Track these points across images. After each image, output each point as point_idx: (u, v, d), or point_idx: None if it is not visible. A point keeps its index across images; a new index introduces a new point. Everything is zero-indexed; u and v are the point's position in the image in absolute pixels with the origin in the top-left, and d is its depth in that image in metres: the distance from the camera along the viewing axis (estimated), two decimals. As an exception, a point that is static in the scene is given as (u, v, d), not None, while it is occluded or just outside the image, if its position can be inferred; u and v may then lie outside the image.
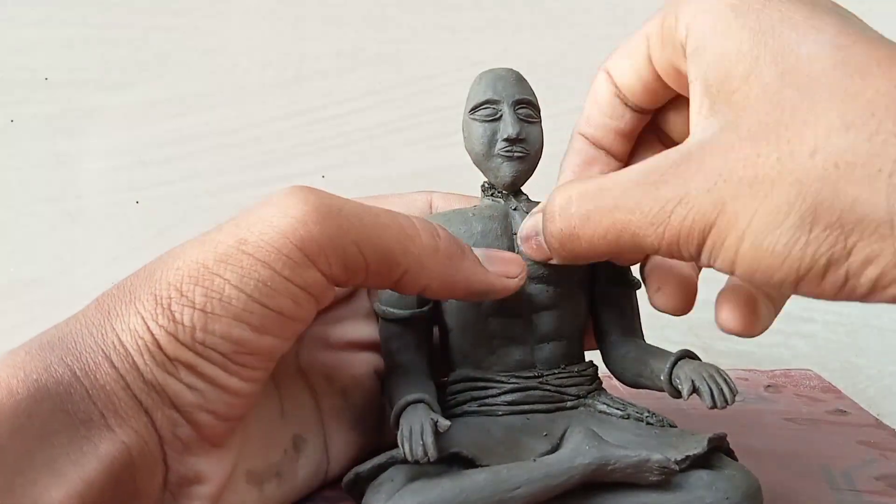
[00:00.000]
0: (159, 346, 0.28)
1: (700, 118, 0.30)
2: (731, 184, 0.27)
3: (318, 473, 0.36)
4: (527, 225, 0.34)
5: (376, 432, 0.39)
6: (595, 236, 0.30)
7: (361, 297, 0.40)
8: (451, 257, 0.33)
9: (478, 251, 0.34)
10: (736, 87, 0.28)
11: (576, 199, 0.31)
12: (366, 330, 0.40)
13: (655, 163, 0.29)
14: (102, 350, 0.28)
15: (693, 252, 0.28)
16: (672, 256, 0.30)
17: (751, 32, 0.28)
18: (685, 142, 0.30)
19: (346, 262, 0.30)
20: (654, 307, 0.35)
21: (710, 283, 0.60)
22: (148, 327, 0.28)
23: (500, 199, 0.38)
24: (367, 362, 0.39)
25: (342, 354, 0.39)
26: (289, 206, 0.30)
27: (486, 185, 0.38)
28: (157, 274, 0.29)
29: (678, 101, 0.35)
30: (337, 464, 0.37)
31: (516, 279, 0.34)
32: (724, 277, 0.33)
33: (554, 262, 0.34)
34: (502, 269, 0.34)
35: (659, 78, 0.34)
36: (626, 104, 0.35)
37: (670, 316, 0.59)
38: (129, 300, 0.29)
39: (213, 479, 0.31)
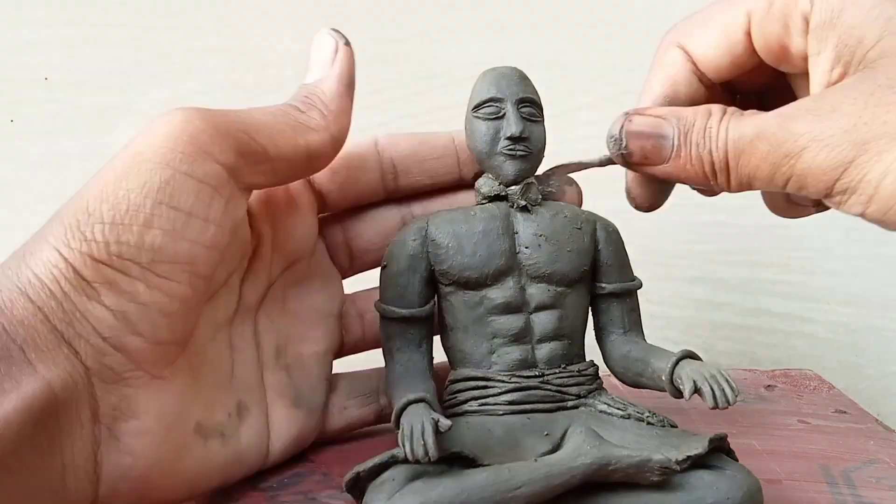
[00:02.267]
0: (75, 271, 0.28)
1: (831, 81, 0.32)
2: (874, 126, 0.29)
3: (260, 448, 0.36)
4: (646, 123, 0.35)
5: (320, 415, 0.39)
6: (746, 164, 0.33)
7: (320, 256, 0.40)
8: (327, 100, 0.36)
9: (319, 87, 0.36)
10: (869, 47, 0.30)
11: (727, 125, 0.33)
12: (320, 298, 0.40)
13: (791, 106, 0.32)
14: (17, 287, 0.28)
15: (822, 189, 0.30)
16: (797, 191, 0.32)
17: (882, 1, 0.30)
18: (818, 93, 0.32)
19: (239, 149, 0.32)
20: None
21: (709, 282, 0.61)
22: (61, 254, 0.28)
23: (502, 198, 0.38)
24: (318, 341, 0.39)
25: (296, 326, 0.39)
26: (170, 116, 0.31)
27: (489, 184, 0.38)
28: (63, 209, 0.30)
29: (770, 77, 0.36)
30: (279, 442, 0.37)
31: (340, 44, 0.37)
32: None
33: (652, 171, 0.35)
34: (328, 55, 0.37)
35: (753, 53, 0.35)
36: (699, 79, 0.37)
37: (670, 316, 0.59)
38: (40, 238, 0.29)
39: (149, 413, 0.30)
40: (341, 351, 0.41)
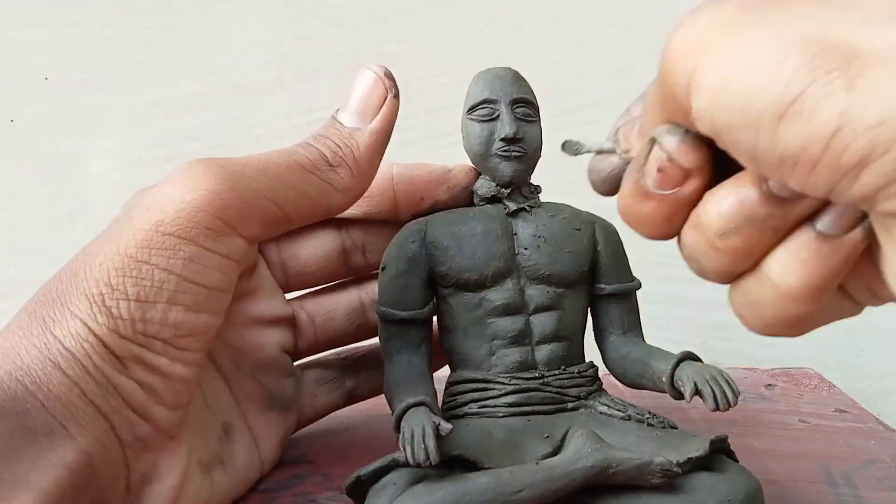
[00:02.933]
0: (105, 346, 0.28)
1: None
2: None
3: (253, 459, 0.36)
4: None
5: (293, 410, 0.40)
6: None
7: (261, 270, 0.40)
8: (359, 159, 0.34)
9: (356, 141, 0.34)
10: None
11: None
12: (268, 305, 0.39)
13: None
14: (50, 360, 0.27)
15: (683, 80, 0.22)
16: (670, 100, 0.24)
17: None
18: None
19: (264, 220, 0.31)
20: None
21: (710, 283, 0.60)
22: (89, 328, 0.28)
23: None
24: (273, 342, 0.39)
25: (247, 334, 0.38)
26: (197, 180, 0.30)
27: (486, 186, 0.38)
28: (80, 273, 0.29)
29: None
30: (267, 447, 0.37)
31: (391, 95, 0.35)
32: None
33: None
34: (375, 101, 0.35)
35: None
36: None
37: (670, 316, 0.59)
38: (60, 305, 0.28)
39: (171, 472, 0.31)
40: (295, 353, 0.41)
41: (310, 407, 0.41)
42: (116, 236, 0.30)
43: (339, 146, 0.34)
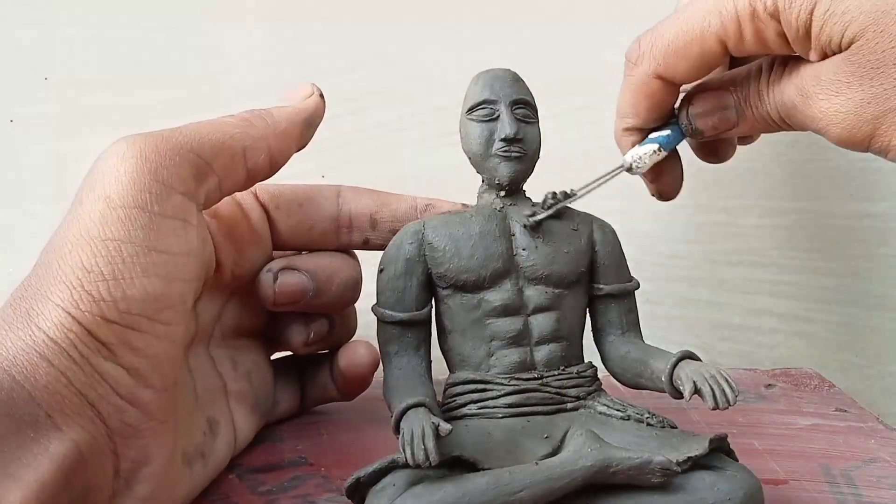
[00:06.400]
0: (91, 334, 0.28)
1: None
2: (879, 103, 0.34)
3: (228, 456, 0.38)
4: (708, 101, 0.40)
5: (269, 414, 0.42)
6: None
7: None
8: (276, 117, 0.36)
9: (274, 109, 0.37)
10: (843, 30, 0.34)
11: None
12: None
13: (807, 86, 0.36)
14: (36, 351, 0.27)
15: (862, 149, 0.36)
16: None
17: None
18: (819, 74, 0.36)
19: (193, 173, 0.32)
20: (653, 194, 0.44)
21: (709, 282, 0.60)
22: (73, 317, 0.28)
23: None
24: (267, 347, 0.42)
25: (247, 338, 0.41)
26: (124, 152, 0.31)
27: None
28: (54, 264, 0.29)
29: None
30: (241, 447, 0.39)
31: (315, 93, 0.38)
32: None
33: (725, 136, 0.41)
34: (300, 96, 0.38)
35: (735, 60, 0.41)
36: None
37: (670, 316, 0.59)
38: (42, 297, 0.28)
39: (157, 457, 0.31)
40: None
41: (273, 413, 0.43)
42: (75, 222, 0.30)
43: (261, 111, 0.36)
